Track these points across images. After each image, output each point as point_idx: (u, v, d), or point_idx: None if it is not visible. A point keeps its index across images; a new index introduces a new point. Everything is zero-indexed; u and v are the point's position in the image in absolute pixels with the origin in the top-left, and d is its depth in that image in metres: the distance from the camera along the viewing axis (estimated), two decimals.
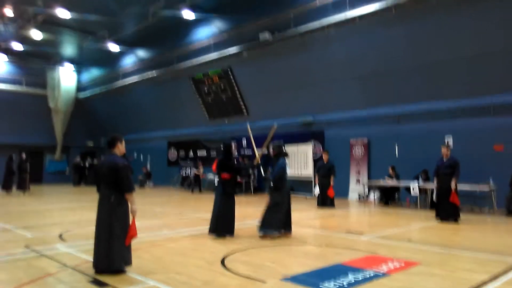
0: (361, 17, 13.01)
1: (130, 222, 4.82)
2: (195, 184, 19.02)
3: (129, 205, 4.84)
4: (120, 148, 5.04)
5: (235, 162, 7.90)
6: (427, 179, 12.03)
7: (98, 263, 4.71)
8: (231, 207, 7.33)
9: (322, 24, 13.86)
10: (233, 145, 8.00)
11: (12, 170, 17.77)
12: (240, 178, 14.86)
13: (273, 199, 7.31)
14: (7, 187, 17.66)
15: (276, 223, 7.13)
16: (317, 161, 14.32)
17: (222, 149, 7.84)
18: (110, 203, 4.75)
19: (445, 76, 12.39)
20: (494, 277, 4.69)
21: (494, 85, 11.60)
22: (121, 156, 5.03)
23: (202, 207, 12.24)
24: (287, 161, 7.60)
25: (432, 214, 10.05)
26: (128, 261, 4.84)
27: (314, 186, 12.56)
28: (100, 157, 24.73)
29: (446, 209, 9.30)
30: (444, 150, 9.59)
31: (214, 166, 7.71)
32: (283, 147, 7.55)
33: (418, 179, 12.13)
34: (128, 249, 4.85)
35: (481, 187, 10.83)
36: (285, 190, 7.38)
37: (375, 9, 12.50)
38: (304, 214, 10.68)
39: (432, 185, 10.48)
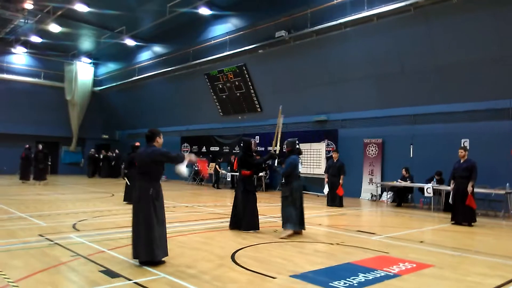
0: (379, 16, 12.89)
1: (199, 166, 5.48)
2: (216, 179, 18.88)
3: (188, 161, 5.15)
4: (159, 141, 5.20)
5: (255, 159, 7.92)
6: (441, 180, 11.88)
7: (140, 254, 4.82)
8: (253, 203, 7.37)
9: (339, 23, 13.78)
10: (253, 141, 7.99)
11: (29, 160, 18.19)
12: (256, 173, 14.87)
13: (282, 194, 7.32)
14: (24, 177, 18.13)
15: (290, 217, 7.03)
16: (327, 159, 14.30)
17: (241, 145, 7.84)
18: (149, 195, 4.89)
19: (463, 78, 12.17)
20: (508, 282, 4.60)
21: None
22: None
23: (214, 202, 12.33)
24: (299, 158, 7.56)
25: (445, 216, 9.91)
26: (166, 252, 4.98)
27: (324, 185, 12.55)
28: (115, 149, 25.15)
29: (462, 213, 9.14)
30: (461, 153, 9.44)
31: (235, 164, 7.77)
32: (297, 144, 7.52)
33: (431, 182, 11.97)
34: (165, 240, 5.00)
35: (497, 191, 10.64)
36: (295, 185, 7.27)
37: (393, 8, 12.38)
38: (315, 212, 10.64)
39: (446, 187, 10.33)
